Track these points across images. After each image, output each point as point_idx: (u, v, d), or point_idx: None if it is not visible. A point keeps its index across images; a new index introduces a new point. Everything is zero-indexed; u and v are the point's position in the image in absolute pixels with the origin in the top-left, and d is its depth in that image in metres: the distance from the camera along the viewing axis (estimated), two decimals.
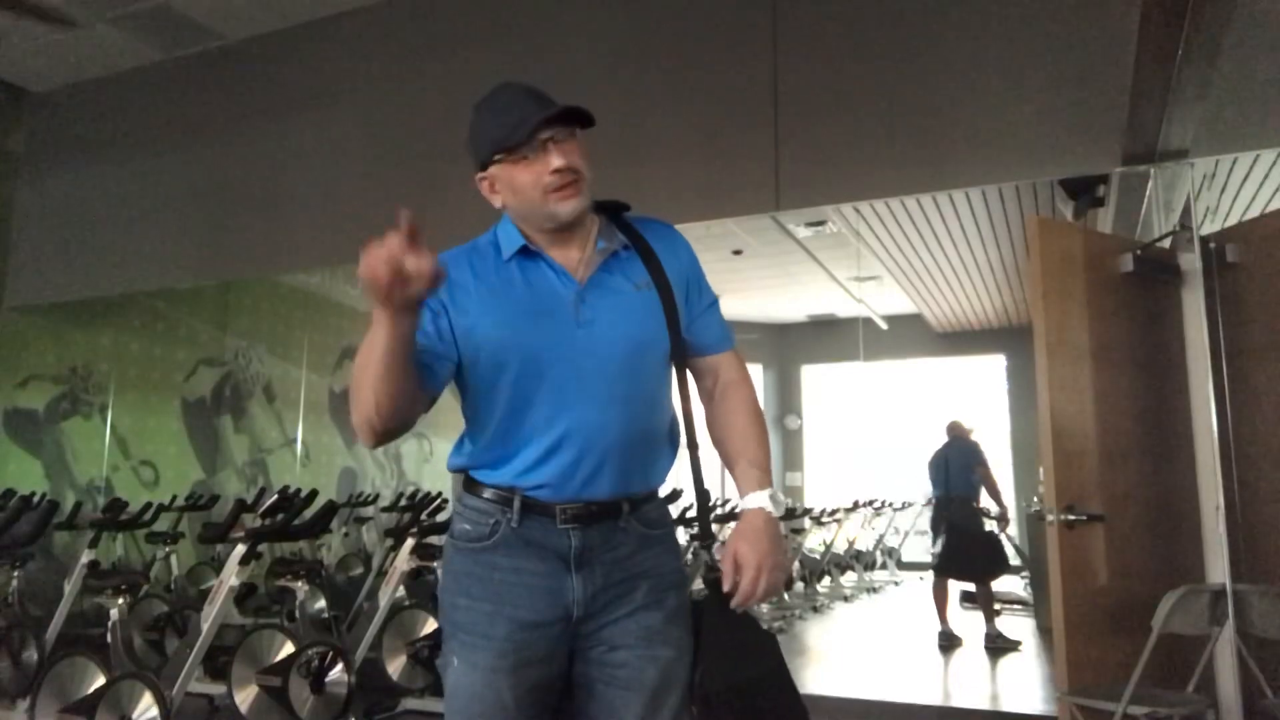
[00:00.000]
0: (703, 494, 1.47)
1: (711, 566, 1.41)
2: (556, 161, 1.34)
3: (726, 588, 1.37)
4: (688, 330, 1.47)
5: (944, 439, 5.66)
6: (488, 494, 1.40)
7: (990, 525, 5.53)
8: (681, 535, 4.27)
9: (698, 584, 1.49)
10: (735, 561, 1.37)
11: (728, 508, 4.73)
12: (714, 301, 1.54)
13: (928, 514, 6.24)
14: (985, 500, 5.49)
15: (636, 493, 1.42)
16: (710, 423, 1.53)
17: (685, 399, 1.48)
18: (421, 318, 1.28)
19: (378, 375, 1.24)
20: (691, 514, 2.34)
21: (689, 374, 1.49)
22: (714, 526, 1.54)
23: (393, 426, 1.30)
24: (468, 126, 1.41)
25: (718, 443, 1.51)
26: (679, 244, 1.51)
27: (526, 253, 1.41)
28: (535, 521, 1.37)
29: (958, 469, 5.46)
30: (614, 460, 1.38)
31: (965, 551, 5.34)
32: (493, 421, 1.39)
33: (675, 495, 3.41)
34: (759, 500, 1.41)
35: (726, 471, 1.50)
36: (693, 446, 1.48)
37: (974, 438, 5.63)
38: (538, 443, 1.36)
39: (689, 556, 4.69)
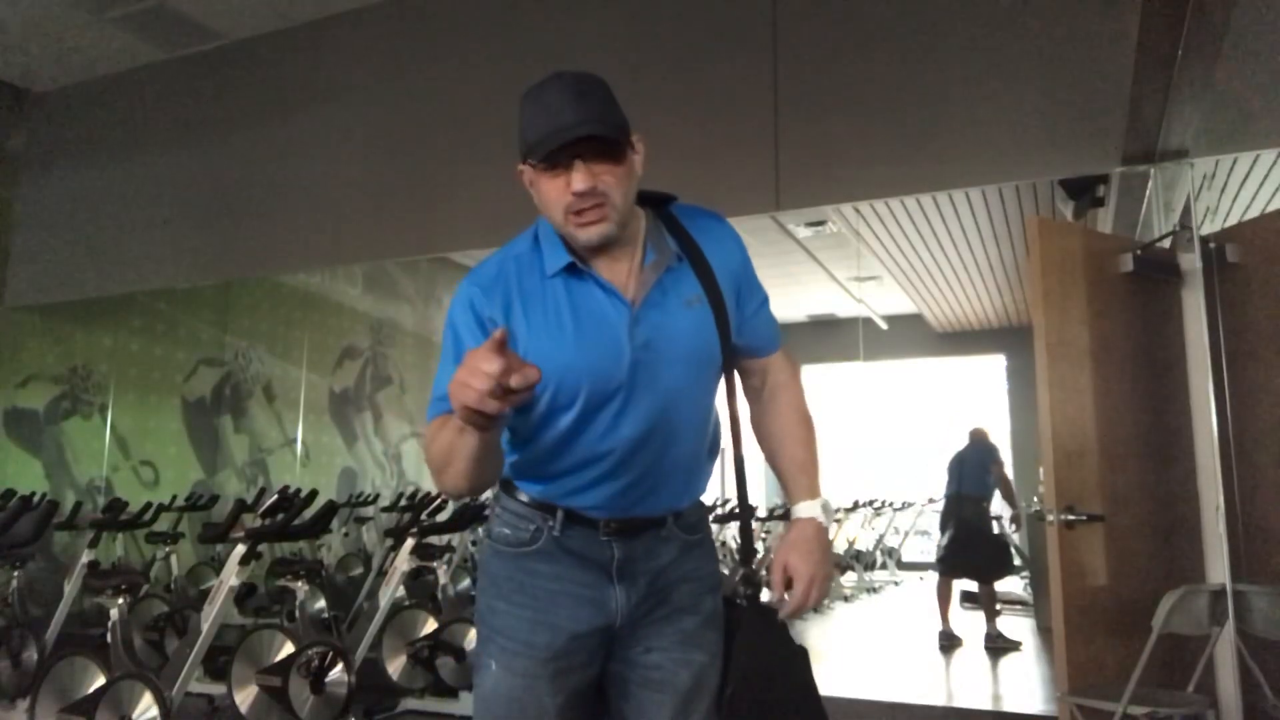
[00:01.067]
0: (747, 509, 1.43)
1: (750, 580, 1.39)
2: (577, 185, 1.23)
3: (777, 597, 1.35)
4: (738, 334, 1.40)
5: (946, 440, 5.66)
6: (528, 500, 1.37)
7: (999, 526, 5.53)
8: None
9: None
10: (786, 573, 1.34)
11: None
12: (764, 300, 1.47)
13: (928, 514, 6.23)
14: (998, 501, 5.49)
15: (683, 506, 1.40)
16: (757, 423, 1.49)
17: (734, 411, 1.42)
18: None
19: (469, 467, 1.20)
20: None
21: (735, 371, 1.43)
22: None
23: (488, 487, 1.31)
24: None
25: (765, 445, 1.48)
26: (730, 242, 1.43)
27: (573, 269, 1.31)
28: (577, 531, 1.34)
29: (973, 468, 5.47)
30: (665, 483, 1.35)
31: (971, 550, 5.34)
32: (539, 444, 1.33)
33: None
34: (810, 510, 1.38)
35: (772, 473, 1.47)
36: (738, 460, 1.44)
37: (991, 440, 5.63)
38: (589, 470, 1.32)
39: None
